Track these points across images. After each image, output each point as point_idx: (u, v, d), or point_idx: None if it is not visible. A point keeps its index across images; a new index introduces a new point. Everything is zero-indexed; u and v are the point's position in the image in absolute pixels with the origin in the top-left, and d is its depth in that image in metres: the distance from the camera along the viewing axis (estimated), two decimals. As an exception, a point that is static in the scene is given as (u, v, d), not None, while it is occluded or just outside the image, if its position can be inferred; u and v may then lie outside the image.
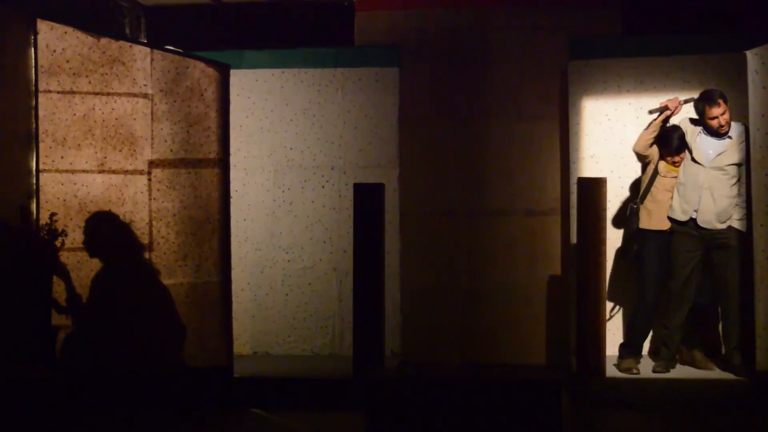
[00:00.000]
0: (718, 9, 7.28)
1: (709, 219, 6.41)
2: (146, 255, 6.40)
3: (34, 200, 6.12)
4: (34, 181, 6.13)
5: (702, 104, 6.44)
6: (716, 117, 6.37)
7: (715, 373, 6.56)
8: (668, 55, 7.21)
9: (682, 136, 6.51)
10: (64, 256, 6.19)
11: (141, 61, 6.40)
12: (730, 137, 6.43)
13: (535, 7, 7.12)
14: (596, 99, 7.29)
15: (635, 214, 6.61)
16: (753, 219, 6.31)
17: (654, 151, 6.59)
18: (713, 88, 6.86)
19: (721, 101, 6.37)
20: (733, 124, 6.48)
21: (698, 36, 7.20)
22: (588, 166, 7.26)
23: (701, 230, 6.44)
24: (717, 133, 6.41)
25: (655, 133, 6.51)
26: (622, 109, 7.23)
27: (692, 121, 6.57)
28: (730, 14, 7.26)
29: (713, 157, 6.43)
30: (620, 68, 7.27)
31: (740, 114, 6.84)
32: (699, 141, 6.48)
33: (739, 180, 6.42)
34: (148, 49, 6.47)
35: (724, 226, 6.41)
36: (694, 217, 6.45)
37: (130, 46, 6.44)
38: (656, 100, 6.82)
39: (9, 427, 5.55)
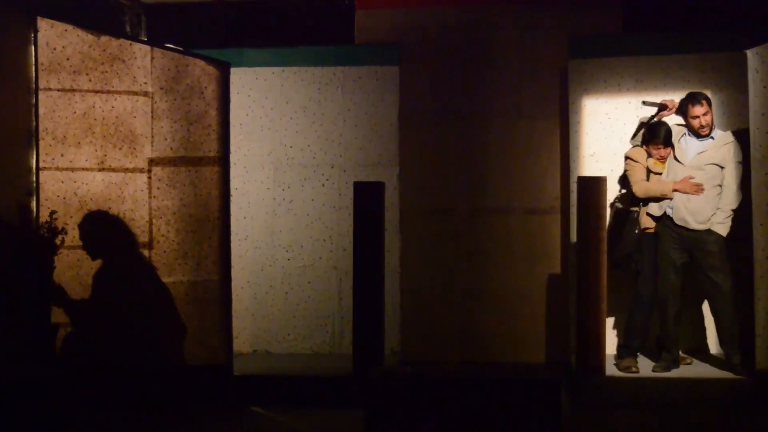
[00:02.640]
0: (718, 8, 7.28)
1: (683, 216, 6.45)
2: (146, 253, 6.40)
3: (34, 198, 6.13)
4: (34, 179, 6.14)
5: (686, 103, 6.54)
6: (697, 116, 6.46)
7: (715, 372, 6.57)
8: (668, 54, 7.22)
9: (669, 130, 6.56)
10: (64, 254, 6.19)
11: (141, 59, 6.40)
12: (711, 138, 6.49)
13: (535, 5, 7.11)
14: (596, 97, 7.29)
15: (635, 221, 6.60)
16: (753, 218, 6.32)
17: (642, 156, 6.60)
18: (713, 87, 6.90)
19: (704, 102, 6.47)
20: (719, 131, 6.56)
21: (698, 35, 7.20)
22: (588, 165, 7.26)
23: (678, 228, 6.48)
24: (698, 133, 6.47)
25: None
26: (623, 107, 7.24)
27: (679, 125, 6.63)
28: (730, 13, 7.25)
29: (693, 155, 6.49)
30: (620, 67, 7.28)
31: (740, 113, 6.85)
32: (683, 141, 6.57)
33: (721, 184, 6.45)
34: (148, 47, 6.47)
35: (702, 227, 6.44)
36: (669, 214, 6.49)
37: (131, 44, 6.44)
38: (656, 99, 6.83)
39: (9, 426, 5.55)
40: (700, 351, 7.09)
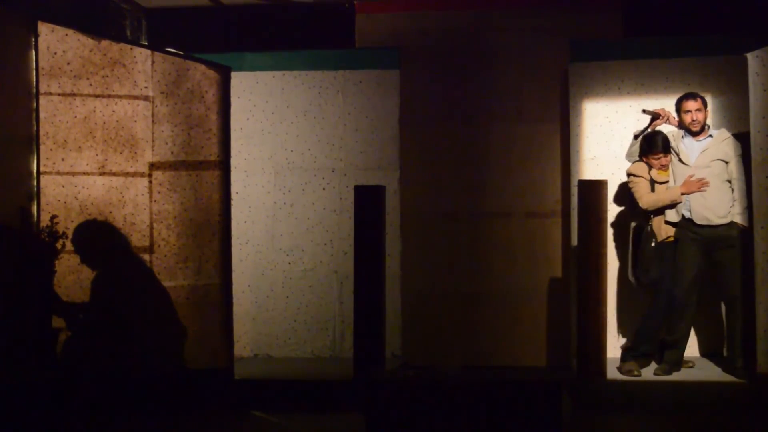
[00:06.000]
0: (718, 11, 7.29)
1: (704, 214, 6.44)
2: (147, 257, 6.40)
3: (35, 202, 6.12)
4: (35, 183, 6.14)
5: (681, 99, 6.57)
6: (690, 111, 6.48)
7: (717, 376, 6.56)
8: (669, 58, 7.22)
9: (666, 137, 6.56)
10: (65, 258, 6.19)
11: (142, 63, 6.41)
12: (711, 136, 6.52)
13: (536, 9, 7.12)
14: (597, 101, 7.29)
15: (649, 235, 6.58)
16: (754, 221, 6.32)
17: (644, 170, 6.59)
18: (714, 90, 6.91)
19: (699, 99, 6.52)
20: (715, 130, 6.58)
21: (699, 38, 7.21)
22: (589, 169, 7.26)
23: (700, 229, 6.46)
24: (690, 130, 6.49)
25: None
26: (623, 111, 7.24)
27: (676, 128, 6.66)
28: (730, 17, 7.26)
29: (697, 155, 6.50)
30: (621, 70, 7.28)
31: (741, 116, 6.85)
32: (683, 144, 6.57)
33: (730, 179, 6.48)
34: (149, 52, 6.48)
35: (724, 221, 6.44)
36: (688, 216, 6.48)
37: (131, 49, 6.45)
38: (657, 103, 6.84)
39: (10, 428, 5.56)
40: (715, 355, 7.06)
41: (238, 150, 7.42)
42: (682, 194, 6.48)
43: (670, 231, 6.55)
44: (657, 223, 6.57)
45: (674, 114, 6.65)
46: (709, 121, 6.66)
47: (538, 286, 6.99)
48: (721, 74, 7.12)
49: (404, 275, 7.14)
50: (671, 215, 6.54)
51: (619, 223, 7.13)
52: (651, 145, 6.56)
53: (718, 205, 6.44)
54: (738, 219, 6.46)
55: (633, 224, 6.65)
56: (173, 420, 6.10)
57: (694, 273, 6.50)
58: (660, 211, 6.56)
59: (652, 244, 6.53)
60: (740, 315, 6.48)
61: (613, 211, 7.08)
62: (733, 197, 6.47)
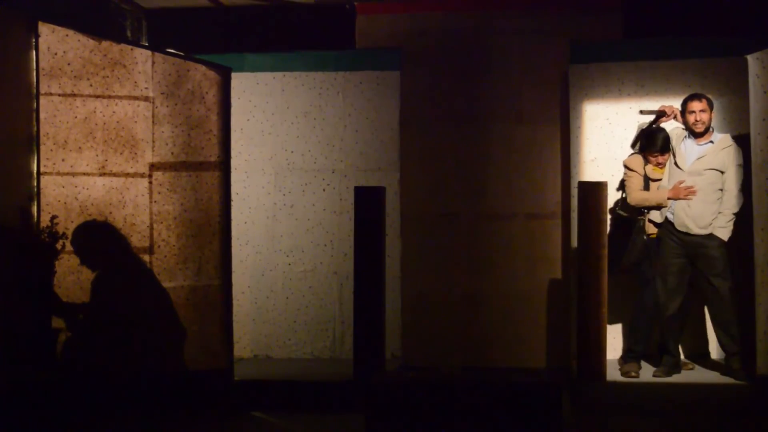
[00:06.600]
0: (719, 13, 7.28)
1: (684, 222, 6.46)
2: (147, 258, 6.40)
3: (35, 203, 6.12)
4: (35, 184, 6.13)
5: (686, 100, 6.56)
6: (694, 111, 6.48)
7: (716, 378, 6.57)
8: (669, 59, 7.23)
9: (667, 137, 6.57)
10: (65, 259, 6.19)
11: (142, 64, 6.41)
12: (711, 142, 6.48)
13: (536, 11, 7.12)
14: (597, 102, 7.30)
15: (641, 229, 6.61)
16: (754, 223, 6.32)
17: (639, 164, 6.61)
18: (714, 92, 6.91)
19: (704, 100, 6.51)
20: (718, 135, 6.55)
21: (699, 40, 7.21)
22: (589, 170, 7.27)
23: (680, 234, 6.48)
24: (694, 131, 6.46)
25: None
26: (623, 112, 7.25)
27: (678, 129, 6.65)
28: (731, 18, 7.25)
29: (692, 161, 6.48)
30: (621, 72, 7.29)
31: (741, 118, 6.85)
32: (683, 146, 6.58)
33: (722, 188, 6.45)
34: (149, 52, 6.48)
35: (704, 232, 6.44)
36: (670, 219, 6.49)
37: (132, 49, 6.45)
38: (657, 104, 6.84)
39: (10, 428, 5.55)
40: (702, 356, 7.09)
41: (239, 151, 7.42)
42: (669, 199, 6.50)
43: (653, 229, 6.62)
44: (646, 218, 6.61)
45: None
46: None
47: (538, 287, 6.99)
48: (722, 76, 7.13)
49: (404, 276, 7.13)
50: (655, 215, 6.60)
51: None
52: (650, 143, 6.59)
53: (700, 215, 6.44)
54: (718, 232, 6.44)
55: (622, 213, 6.68)
56: (173, 421, 6.10)
57: (674, 272, 6.52)
58: (651, 208, 6.59)
59: (645, 238, 6.57)
60: (728, 321, 6.46)
61: (611, 204, 7.08)
62: (718, 209, 6.45)
